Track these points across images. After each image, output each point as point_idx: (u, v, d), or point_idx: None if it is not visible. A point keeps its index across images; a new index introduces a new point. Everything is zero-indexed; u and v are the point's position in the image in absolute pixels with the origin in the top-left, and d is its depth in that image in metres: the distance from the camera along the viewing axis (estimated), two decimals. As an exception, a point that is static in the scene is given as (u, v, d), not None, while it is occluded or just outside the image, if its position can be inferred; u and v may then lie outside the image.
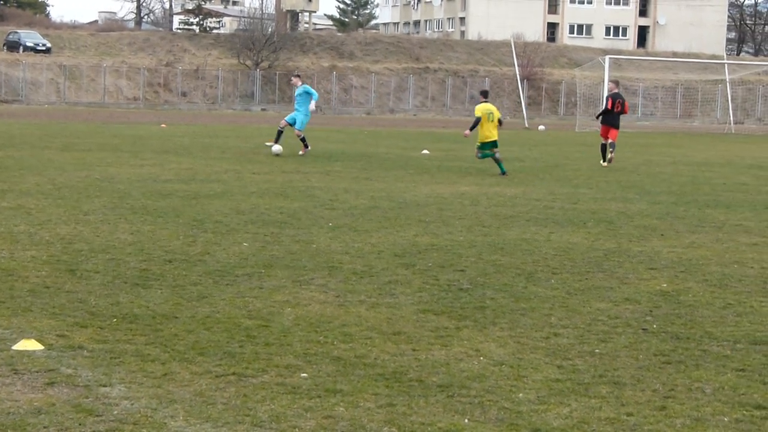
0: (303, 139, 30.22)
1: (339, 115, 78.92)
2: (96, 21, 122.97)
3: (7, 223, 14.47)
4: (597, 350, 8.36)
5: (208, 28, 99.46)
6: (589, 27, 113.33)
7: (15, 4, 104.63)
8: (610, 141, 29.26)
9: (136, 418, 6.42)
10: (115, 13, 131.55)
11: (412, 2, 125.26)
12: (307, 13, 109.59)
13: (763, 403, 7.04)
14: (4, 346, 8.00)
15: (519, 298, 10.32)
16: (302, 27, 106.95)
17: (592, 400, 7.02)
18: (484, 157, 25.56)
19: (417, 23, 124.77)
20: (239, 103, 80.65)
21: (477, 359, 8.00)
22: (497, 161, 25.36)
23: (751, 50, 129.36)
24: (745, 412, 6.86)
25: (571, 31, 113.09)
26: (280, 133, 30.52)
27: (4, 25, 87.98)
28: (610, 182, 24.10)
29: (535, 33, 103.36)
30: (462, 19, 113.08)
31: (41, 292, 10.02)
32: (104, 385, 7.06)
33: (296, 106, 30.51)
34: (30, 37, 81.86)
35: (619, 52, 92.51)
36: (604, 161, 28.96)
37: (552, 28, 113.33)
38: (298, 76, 32.30)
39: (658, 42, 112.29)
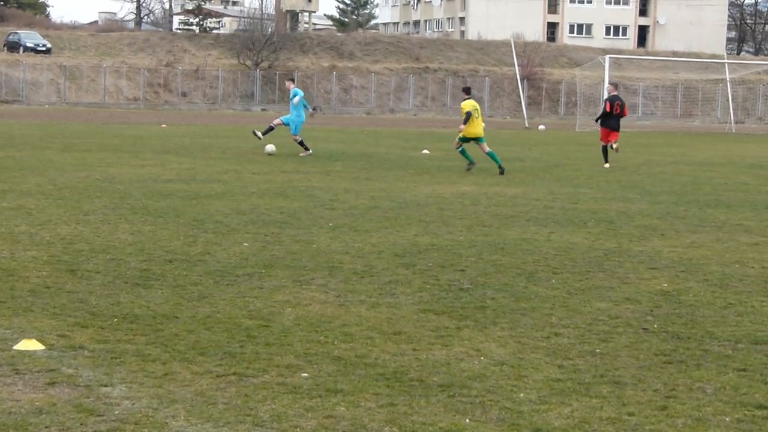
0: (301, 143, 30.24)
1: (339, 115, 78.91)
2: (96, 21, 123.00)
3: (7, 224, 14.47)
4: (598, 350, 8.36)
5: (208, 29, 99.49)
6: (589, 27, 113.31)
7: (15, 5, 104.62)
8: (611, 142, 29.20)
9: (137, 417, 6.42)
10: (115, 13, 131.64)
11: (411, 2, 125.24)
12: (307, 13, 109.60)
13: (764, 403, 7.04)
14: (5, 346, 8.00)
15: (519, 298, 10.32)
16: (302, 27, 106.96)
17: (593, 400, 7.02)
18: (490, 155, 25.83)
19: (417, 23, 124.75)
20: (239, 103, 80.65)
21: (478, 359, 8.00)
22: (493, 158, 25.87)
23: (751, 49, 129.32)
24: (746, 411, 6.86)
25: (571, 31, 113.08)
26: (270, 128, 30.58)
27: (5, 26, 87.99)
28: (611, 182, 24.10)
29: (535, 33, 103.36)
30: (462, 18, 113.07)
31: (42, 292, 10.02)
32: (105, 385, 7.06)
33: (291, 109, 30.57)
34: (30, 37, 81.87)
35: (619, 51, 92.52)
36: (606, 163, 28.90)
37: (552, 27, 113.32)
38: (292, 80, 32.44)
39: (658, 41, 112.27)
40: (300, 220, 15.67)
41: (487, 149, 25.98)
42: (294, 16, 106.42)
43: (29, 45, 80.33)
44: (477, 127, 25.76)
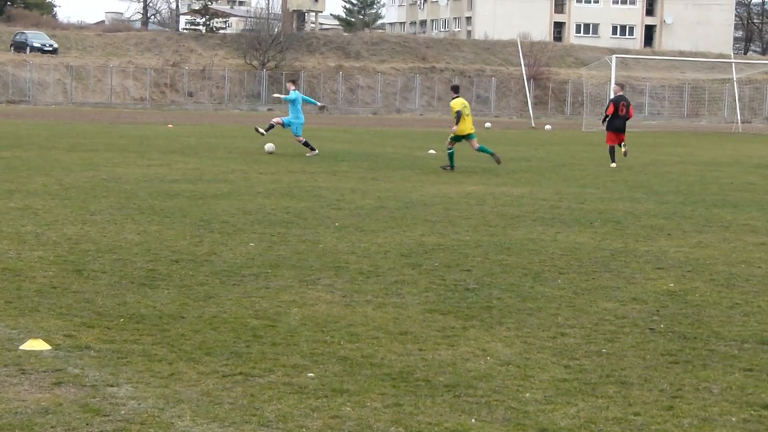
0: (306, 143, 30.28)
1: (345, 115, 78.94)
2: (103, 21, 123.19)
3: (14, 224, 14.49)
4: (604, 350, 8.35)
5: (214, 29, 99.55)
6: (595, 26, 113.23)
7: (22, 5, 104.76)
8: (618, 144, 29.14)
9: (144, 417, 6.42)
10: (121, 13, 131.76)
11: (418, 2, 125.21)
12: (314, 13, 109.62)
13: (770, 403, 7.03)
14: (12, 346, 8.01)
15: (526, 298, 10.31)
16: (308, 27, 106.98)
17: (599, 400, 7.01)
18: (481, 150, 26.38)
19: (423, 23, 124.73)
20: (246, 103, 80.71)
21: (484, 359, 8.00)
22: (484, 150, 26.46)
23: (758, 49, 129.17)
24: (752, 411, 6.85)
25: (578, 31, 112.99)
26: (271, 126, 30.64)
27: (11, 26, 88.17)
28: (617, 182, 24.08)
29: (542, 32, 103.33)
30: (468, 18, 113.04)
31: (48, 292, 10.03)
32: (111, 385, 7.06)
33: (290, 110, 30.63)
34: (37, 37, 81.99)
35: (626, 51, 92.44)
36: (613, 162, 28.87)
37: (558, 27, 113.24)
38: (293, 81, 32.51)
39: (665, 41, 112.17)
40: (306, 220, 15.68)
41: (477, 146, 26.35)
42: (300, 15, 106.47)
43: (36, 45, 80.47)
44: (467, 125, 26.14)
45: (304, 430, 6.31)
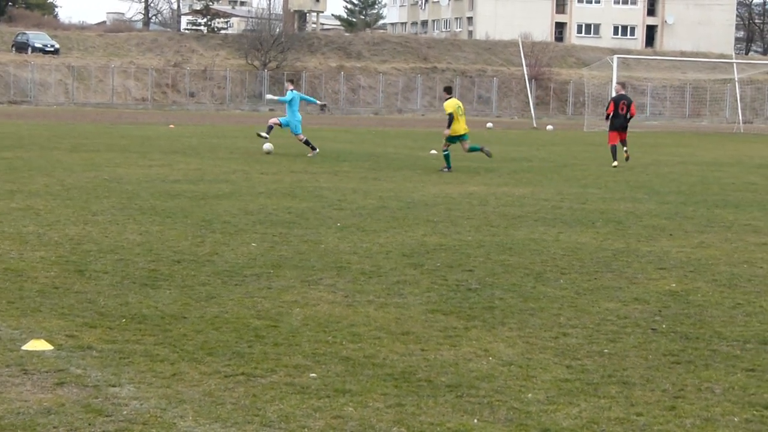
0: (306, 142, 30.31)
1: (347, 115, 78.95)
2: (104, 22, 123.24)
3: (16, 224, 14.50)
4: (606, 350, 8.35)
5: (215, 29, 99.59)
6: (597, 26, 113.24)
7: (23, 6, 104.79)
8: (620, 141, 29.17)
9: (146, 418, 6.42)
10: (123, 13, 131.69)
11: (419, 2, 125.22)
12: (315, 14, 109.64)
13: (772, 403, 7.03)
14: (14, 346, 8.01)
15: (528, 298, 10.31)
16: (310, 27, 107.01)
17: (601, 400, 7.01)
18: (471, 150, 26.48)
19: (424, 23, 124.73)
20: (247, 103, 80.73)
21: (486, 359, 8.00)
22: (474, 149, 26.60)
23: (759, 49, 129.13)
24: (755, 412, 6.85)
25: (579, 31, 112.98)
26: (270, 128, 30.67)
27: (13, 27, 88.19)
28: (619, 182, 24.08)
29: (543, 33, 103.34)
30: (470, 18, 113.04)
31: (50, 292, 10.03)
32: (113, 385, 7.06)
33: (286, 110, 30.66)
34: (38, 38, 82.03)
35: (628, 51, 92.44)
36: (615, 161, 28.88)
37: (560, 27, 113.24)
38: (291, 81, 32.51)
39: (666, 41, 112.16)
40: (308, 221, 15.68)
41: (468, 146, 26.39)
42: (302, 16, 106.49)
43: (37, 45, 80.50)
44: (461, 125, 26.27)
45: (306, 430, 6.31)
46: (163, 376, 7.33)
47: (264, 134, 30.82)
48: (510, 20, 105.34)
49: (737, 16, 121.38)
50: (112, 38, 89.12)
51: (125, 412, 6.52)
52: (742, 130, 66.20)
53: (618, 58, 61.03)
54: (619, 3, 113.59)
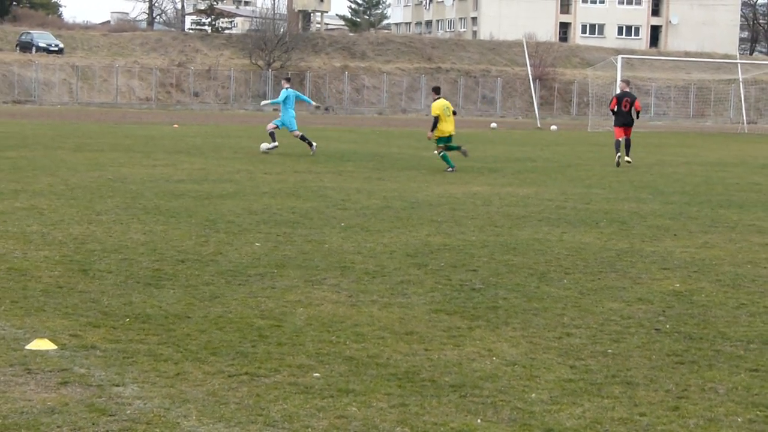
0: (303, 138, 30.39)
1: (351, 115, 78.96)
2: (108, 21, 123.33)
3: (20, 224, 14.51)
4: (610, 350, 8.35)
5: (220, 29, 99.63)
6: (601, 27, 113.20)
7: (28, 5, 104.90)
8: (625, 138, 29.18)
9: (149, 417, 6.43)
10: (127, 13, 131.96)
11: (423, 2, 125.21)
12: (319, 13, 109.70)
13: (776, 404, 7.03)
14: (18, 345, 8.02)
15: (531, 298, 10.31)
16: (314, 27, 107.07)
17: (604, 401, 7.01)
18: (448, 149, 26.36)
19: (429, 23, 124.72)
20: (251, 103, 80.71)
21: (489, 359, 8.00)
22: (456, 149, 26.50)
23: (764, 50, 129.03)
24: (758, 412, 6.84)
25: (583, 31, 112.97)
26: (271, 134, 30.60)
27: (17, 26, 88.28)
28: (623, 182, 24.06)
29: (547, 33, 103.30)
30: (474, 18, 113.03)
31: (54, 292, 10.04)
32: (117, 385, 7.07)
33: (281, 110, 30.67)
34: (43, 37, 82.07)
35: (632, 51, 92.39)
36: (618, 153, 28.93)
37: (564, 27, 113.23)
38: (287, 79, 32.48)
39: (670, 41, 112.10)
40: (312, 220, 15.68)
41: (441, 151, 26.38)
42: (306, 16, 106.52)
43: (42, 45, 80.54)
44: (449, 125, 26.33)
45: (309, 430, 6.31)
46: (167, 375, 7.33)
47: (271, 146, 30.56)
48: (514, 20, 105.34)
49: (742, 16, 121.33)
50: (116, 38, 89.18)
51: (129, 412, 6.52)
52: (746, 131, 66.16)
53: (622, 58, 60.96)
54: (623, 3, 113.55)
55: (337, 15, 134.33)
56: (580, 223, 16.32)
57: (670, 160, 33.16)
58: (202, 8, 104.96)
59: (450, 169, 25.77)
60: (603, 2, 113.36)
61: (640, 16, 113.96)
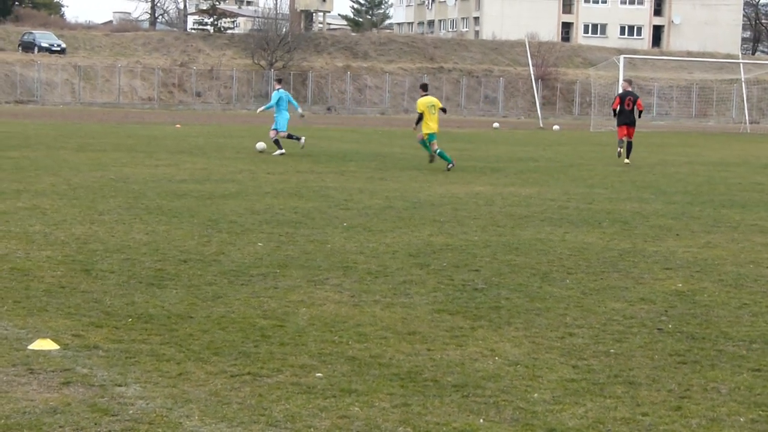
0: (290, 136, 30.69)
1: (353, 115, 78.96)
2: (110, 21, 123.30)
3: (22, 223, 14.52)
4: (612, 350, 8.35)
5: (222, 29, 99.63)
6: (603, 26, 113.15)
7: (30, 5, 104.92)
8: (627, 140, 29.22)
9: (152, 417, 6.43)
10: (129, 13, 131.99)
11: (426, 2, 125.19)
12: (321, 13, 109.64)
13: (779, 404, 7.03)
14: (20, 345, 8.02)
15: (534, 298, 10.31)
16: (316, 27, 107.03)
17: (607, 400, 7.01)
18: (424, 147, 26.71)
19: (431, 23, 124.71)
20: (254, 103, 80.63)
21: (492, 359, 8.00)
22: (428, 152, 26.62)
23: (766, 49, 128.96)
24: (761, 412, 6.84)
25: (586, 31, 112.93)
26: (276, 142, 30.55)
27: (19, 26, 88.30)
28: (625, 182, 24.06)
29: (550, 33, 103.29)
30: (476, 18, 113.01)
31: (56, 292, 10.04)
32: (119, 385, 7.07)
33: (275, 113, 30.75)
34: (45, 37, 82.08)
35: (634, 51, 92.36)
36: (620, 148, 28.97)
37: (566, 27, 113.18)
38: (279, 80, 32.52)
39: (672, 41, 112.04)
40: (314, 220, 15.68)
41: (436, 147, 26.31)
42: (308, 16, 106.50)
43: (44, 45, 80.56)
44: (433, 123, 26.37)
45: (312, 430, 6.31)
46: (169, 375, 7.33)
47: (278, 152, 30.48)
48: (516, 20, 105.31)
49: (744, 16, 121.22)
50: (118, 38, 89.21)
51: (131, 412, 6.53)
52: (748, 130, 66.13)
53: (624, 58, 60.95)
54: (625, 3, 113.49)
55: (339, 15, 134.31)
56: (582, 223, 16.31)
57: (673, 160, 33.15)
58: (205, 8, 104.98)
59: (450, 165, 25.77)
60: (605, 2, 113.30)
61: (643, 16, 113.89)
